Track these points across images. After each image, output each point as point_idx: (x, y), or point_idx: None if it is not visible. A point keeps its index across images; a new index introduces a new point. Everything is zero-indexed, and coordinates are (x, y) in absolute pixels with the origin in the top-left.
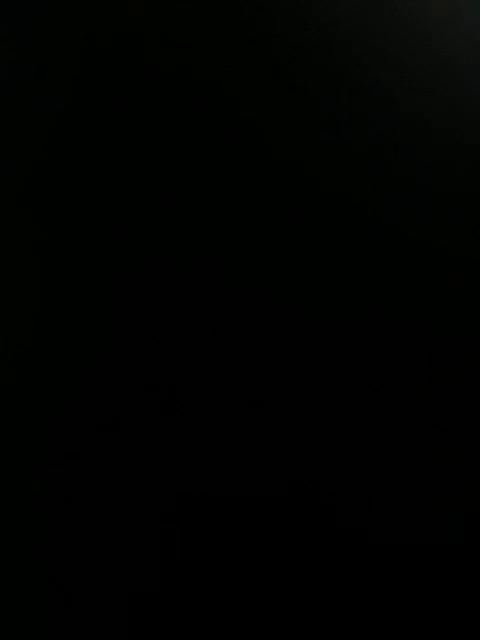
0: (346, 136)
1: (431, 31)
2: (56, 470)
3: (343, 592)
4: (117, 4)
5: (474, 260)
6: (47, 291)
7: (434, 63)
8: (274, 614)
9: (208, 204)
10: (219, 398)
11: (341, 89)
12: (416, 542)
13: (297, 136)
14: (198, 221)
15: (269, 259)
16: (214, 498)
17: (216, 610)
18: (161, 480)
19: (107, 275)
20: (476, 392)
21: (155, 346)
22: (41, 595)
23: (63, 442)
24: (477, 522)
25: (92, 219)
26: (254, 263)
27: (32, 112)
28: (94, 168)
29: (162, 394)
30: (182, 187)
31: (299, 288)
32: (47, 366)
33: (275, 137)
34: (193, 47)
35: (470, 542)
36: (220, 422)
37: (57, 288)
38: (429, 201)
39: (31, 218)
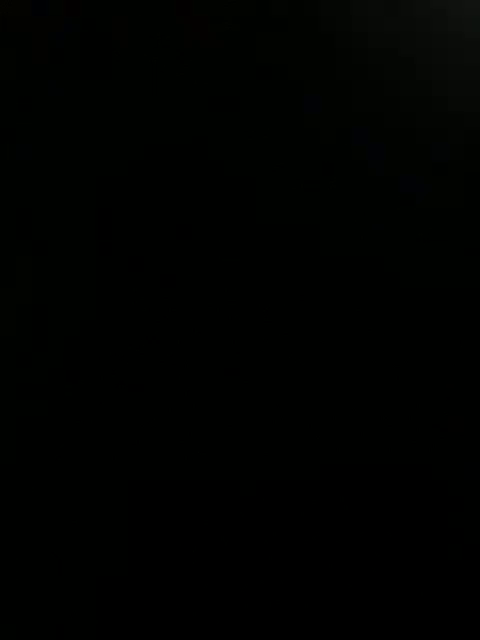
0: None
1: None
2: (52, 465)
3: (343, 589)
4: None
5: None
6: (44, 287)
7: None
8: (274, 605)
9: (205, 198)
10: (219, 400)
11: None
12: (416, 536)
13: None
14: (195, 217)
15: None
16: (212, 488)
17: (214, 597)
18: (159, 473)
19: (103, 271)
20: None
21: (153, 342)
22: (32, 590)
23: (60, 438)
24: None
25: (87, 213)
26: (253, 263)
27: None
28: (90, 164)
29: (159, 383)
30: (178, 185)
31: (299, 283)
32: (44, 363)
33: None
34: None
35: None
36: (221, 422)
37: (52, 284)
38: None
39: (28, 216)
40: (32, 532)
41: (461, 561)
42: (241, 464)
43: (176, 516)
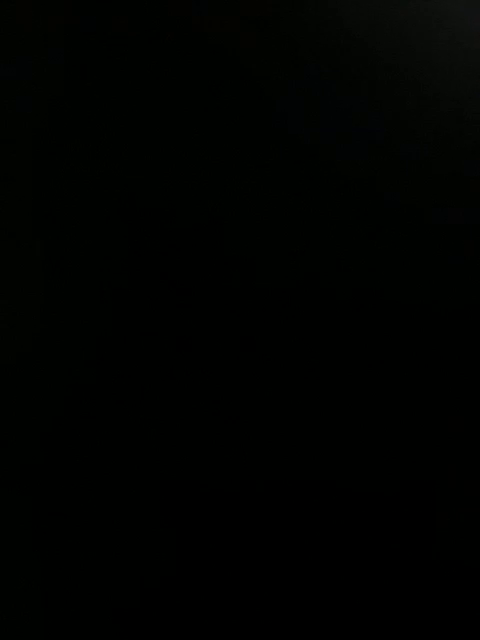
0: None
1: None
2: (54, 468)
3: (342, 596)
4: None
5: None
6: (49, 289)
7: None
8: (273, 607)
9: (212, 196)
10: (220, 401)
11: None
12: (416, 543)
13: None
14: (200, 214)
15: (274, 257)
16: (214, 495)
17: (215, 606)
18: (160, 479)
19: (108, 272)
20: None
21: (156, 344)
22: (35, 594)
23: (62, 440)
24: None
25: (92, 214)
26: (256, 266)
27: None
28: (93, 162)
29: (163, 390)
30: (183, 180)
31: (301, 282)
32: (48, 366)
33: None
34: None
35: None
36: (222, 424)
37: (58, 288)
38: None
39: (31, 215)
40: (38, 534)
41: (460, 563)
42: (241, 472)
43: (179, 523)
